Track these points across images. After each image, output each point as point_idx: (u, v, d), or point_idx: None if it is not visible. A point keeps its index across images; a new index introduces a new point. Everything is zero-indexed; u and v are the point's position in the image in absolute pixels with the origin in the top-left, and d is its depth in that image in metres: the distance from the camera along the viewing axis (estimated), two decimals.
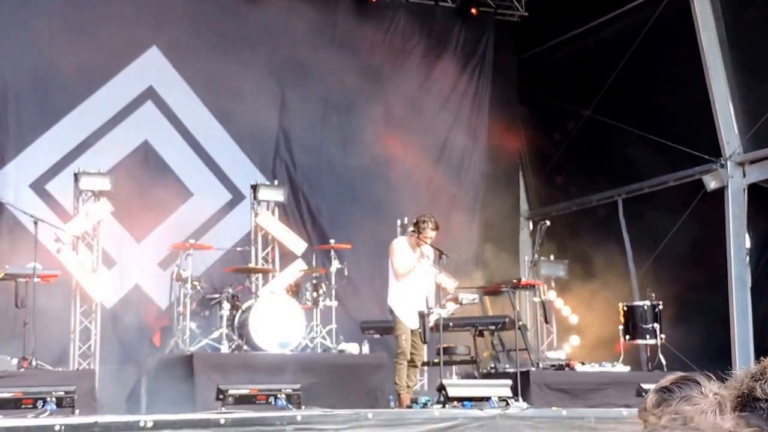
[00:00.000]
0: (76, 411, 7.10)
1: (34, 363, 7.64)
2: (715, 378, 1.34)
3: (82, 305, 9.27)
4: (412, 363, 8.23)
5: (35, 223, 8.08)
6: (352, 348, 9.13)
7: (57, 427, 6.17)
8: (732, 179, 10.07)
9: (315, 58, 11.40)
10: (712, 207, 10.24)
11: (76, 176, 9.40)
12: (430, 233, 8.18)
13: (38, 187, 9.91)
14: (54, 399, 7.06)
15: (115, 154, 10.21)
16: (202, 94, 10.85)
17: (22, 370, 7.50)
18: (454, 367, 9.87)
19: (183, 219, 10.38)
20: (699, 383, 1.29)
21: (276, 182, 10.62)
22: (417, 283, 8.20)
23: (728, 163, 10.06)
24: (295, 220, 10.92)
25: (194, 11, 10.66)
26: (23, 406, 6.99)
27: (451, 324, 9.60)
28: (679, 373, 1.33)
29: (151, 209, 10.29)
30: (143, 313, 9.90)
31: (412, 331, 8.18)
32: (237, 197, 10.78)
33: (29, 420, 6.61)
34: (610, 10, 11.43)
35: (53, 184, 9.94)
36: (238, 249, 10.12)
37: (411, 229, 8.49)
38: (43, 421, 6.56)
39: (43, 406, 7.00)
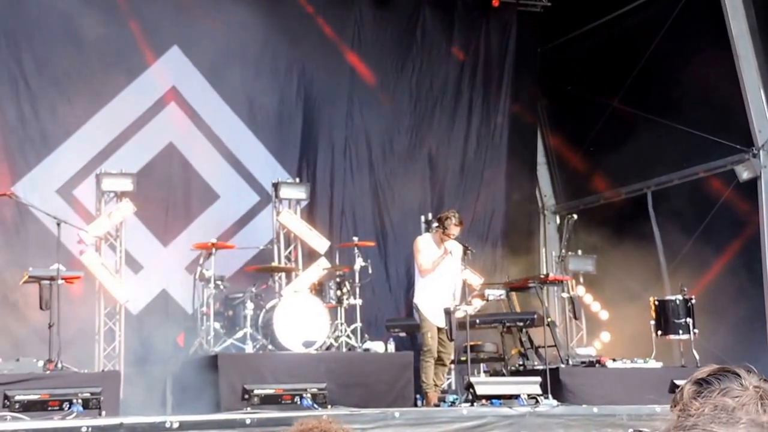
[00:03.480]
0: (102, 412, 7.09)
1: (59, 365, 7.63)
2: (755, 370, 1.24)
3: (106, 307, 9.27)
4: (440, 361, 8.12)
5: (58, 224, 8.07)
6: (377, 347, 9.03)
7: (84, 429, 6.17)
8: (765, 169, 9.88)
9: (338, 56, 11.33)
10: (745, 198, 10.03)
11: (98, 177, 9.39)
12: (454, 229, 8.08)
13: (65, 192, 9.86)
14: (80, 400, 7.08)
15: (140, 158, 10.16)
16: (225, 94, 10.78)
17: (48, 372, 7.49)
18: (481, 364, 9.75)
19: (210, 222, 10.31)
20: (739, 375, 1.19)
21: (298, 180, 10.54)
22: (443, 280, 8.10)
23: (761, 152, 9.85)
24: (319, 218, 10.84)
25: (213, 9, 10.59)
26: (50, 408, 7.02)
27: (477, 321, 9.48)
28: (718, 365, 1.23)
29: (177, 212, 10.24)
30: (170, 317, 9.78)
31: (439, 328, 8.06)
32: (265, 199, 10.66)
33: (56, 422, 6.61)
34: None
35: (80, 189, 9.87)
36: (260, 248, 10.05)
37: (435, 225, 8.38)
38: (70, 422, 6.57)
39: (69, 407, 7.02)
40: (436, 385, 8.13)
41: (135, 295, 9.74)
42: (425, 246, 8.21)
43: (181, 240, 10.09)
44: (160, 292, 10.05)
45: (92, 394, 7.15)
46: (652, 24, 11.01)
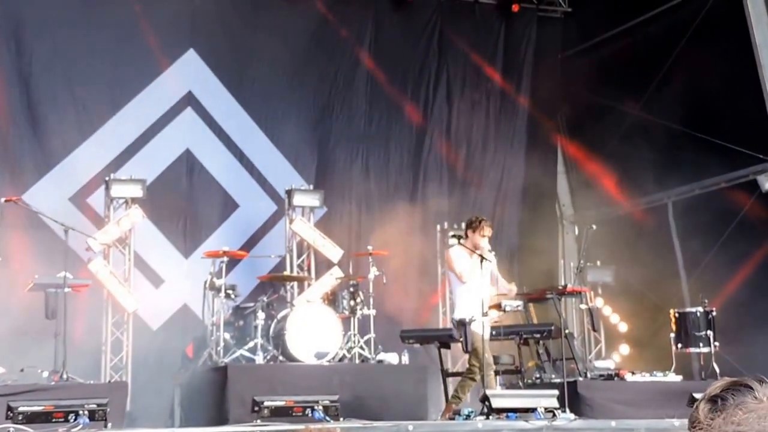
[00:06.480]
0: (109, 424, 6.96)
1: (65, 376, 7.49)
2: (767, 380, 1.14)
3: (114, 316, 9.14)
4: (470, 375, 7.90)
5: (65, 231, 7.95)
6: (391, 358, 8.89)
7: None
8: None
9: (355, 62, 11.23)
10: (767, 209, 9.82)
11: (107, 183, 9.28)
12: (487, 230, 7.92)
13: (78, 200, 9.72)
14: (86, 412, 6.93)
15: (156, 165, 10.03)
16: (242, 99, 10.68)
17: (53, 383, 7.35)
18: (497, 377, 9.55)
19: (231, 232, 10.13)
20: (752, 388, 1.08)
21: (311, 187, 10.40)
22: (482, 289, 7.88)
23: None
24: (335, 226, 10.69)
25: (229, 12, 10.50)
26: (54, 420, 6.86)
27: (494, 332, 9.30)
28: (728, 379, 1.11)
29: (197, 223, 10.10)
30: (190, 332, 9.52)
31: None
32: (282, 207, 10.45)
33: None
34: (657, 5, 11.08)
35: (94, 197, 9.72)
36: (272, 257, 9.89)
37: (465, 228, 8.19)
38: None
39: (75, 419, 6.87)
40: (459, 398, 7.94)
41: (155, 310, 9.55)
42: (458, 255, 7.99)
43: (202, 252, 9.70)
44: (181, 306, 9.84)
45: (98, 405, 7.00)
46: (674, 31, 10.85)
